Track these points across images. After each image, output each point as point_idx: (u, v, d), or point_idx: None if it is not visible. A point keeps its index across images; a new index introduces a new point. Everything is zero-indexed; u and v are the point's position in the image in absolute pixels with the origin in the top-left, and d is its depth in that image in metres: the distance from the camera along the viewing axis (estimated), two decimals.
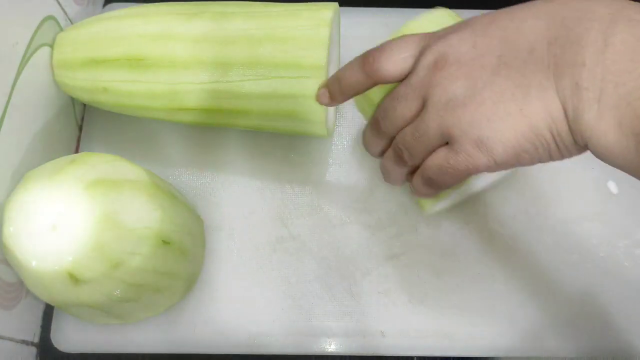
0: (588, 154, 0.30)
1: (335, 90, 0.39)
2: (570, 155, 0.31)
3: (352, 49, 0.55)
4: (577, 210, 0.49)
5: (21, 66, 0.42)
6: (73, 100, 0.52)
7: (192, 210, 0.45)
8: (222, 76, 0.43)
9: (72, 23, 0.51)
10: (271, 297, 0.46)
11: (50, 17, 0.47)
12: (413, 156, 0.35)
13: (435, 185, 0.35)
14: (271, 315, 0.46)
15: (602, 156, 0.28)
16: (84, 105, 0.54)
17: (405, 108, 0.34)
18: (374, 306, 0.46)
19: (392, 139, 0.36)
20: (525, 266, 0.47)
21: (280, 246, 0.48)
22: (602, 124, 0.27)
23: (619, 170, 0.29)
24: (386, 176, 0.40)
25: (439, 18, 0.41)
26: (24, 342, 0.45)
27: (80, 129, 0.54)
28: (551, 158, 0.31)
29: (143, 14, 0.45)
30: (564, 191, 0.50)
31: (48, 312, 0.48)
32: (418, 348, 0.45)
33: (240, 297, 0.46)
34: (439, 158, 0.33)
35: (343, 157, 0.51)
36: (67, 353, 0.46)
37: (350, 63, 0.37)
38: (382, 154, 0.39)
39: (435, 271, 0.47)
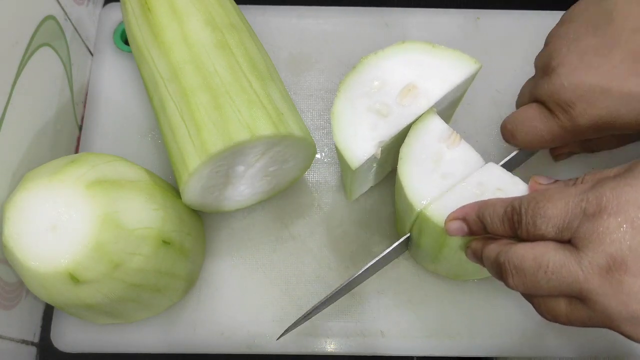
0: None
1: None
2: None
3: (352, 49, 0.55)
4: None
5: (21, 66, 0.42)
6: (73, 100, 0.52)
7: (192, 210, 0.45)
8: None
9: (72, 23, 0.51)
10: (271, 297, 0.46)
11: (50, 17, 0.47)
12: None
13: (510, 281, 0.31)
14: (271, 315, 0.46)
15: None
16: (84, 105, 0.54)
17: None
18: (374, 306, 0.46)
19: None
20: None
21: (280, 246, 0.48)
22: None
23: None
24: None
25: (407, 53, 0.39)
26: (24, 342, 0.45)
27: (80, 129, 0.54)
28: None
29: None
30: None
31: (48, 312, 0.48)
32: (418, 348, 0.45)
33: (240, 297, 0.46)
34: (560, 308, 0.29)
35: None
36: (67, 353, 0.46)
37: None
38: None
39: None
